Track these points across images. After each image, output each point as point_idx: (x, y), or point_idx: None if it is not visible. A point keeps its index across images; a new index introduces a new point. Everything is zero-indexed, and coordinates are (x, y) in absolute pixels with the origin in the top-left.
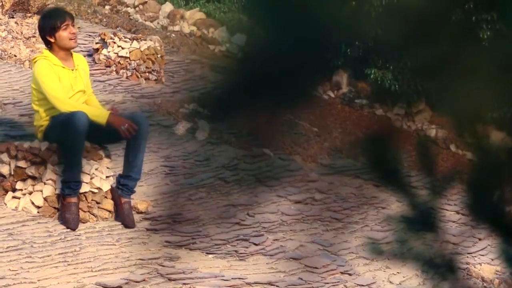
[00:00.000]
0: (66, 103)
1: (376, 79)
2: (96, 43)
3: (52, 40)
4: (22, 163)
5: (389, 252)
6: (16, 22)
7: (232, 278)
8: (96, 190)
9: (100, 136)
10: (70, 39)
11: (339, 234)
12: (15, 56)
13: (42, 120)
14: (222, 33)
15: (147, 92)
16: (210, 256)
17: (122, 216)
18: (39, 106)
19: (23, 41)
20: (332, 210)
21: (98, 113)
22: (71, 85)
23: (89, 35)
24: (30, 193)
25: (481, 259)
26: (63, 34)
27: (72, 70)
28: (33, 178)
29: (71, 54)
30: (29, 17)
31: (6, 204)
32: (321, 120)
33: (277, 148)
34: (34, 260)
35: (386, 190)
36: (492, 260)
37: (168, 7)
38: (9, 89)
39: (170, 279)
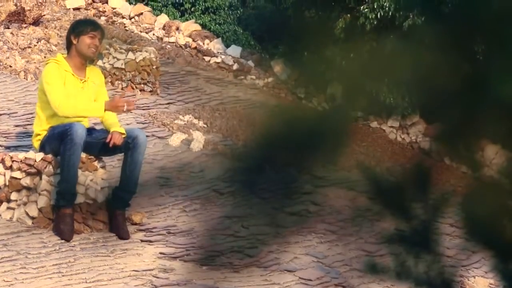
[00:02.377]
0: (64, 106)
1: (371, 91)
2: None
3: (74, 41)
4: (17, 174)
5: (383, 264)
6: (11, 33)
7: None
8: (91, 201)
9: (97, 148)
10: (90, 47)
11: (333, 246)
12: (10, 66)
13: (41, 127)
14: (218, 45)
15: (142, 103)
16: (204, 267)
17: (116, 227)
18: (42, 110)
19: (18, 52)
20: (327, 222)
21: (94, 106)
22: (75, 94)
23: None
24: (25, 204)
25: (475, 272)
26: (86, 40)
27: (82, 80)
28: (28, 189)
29: (85, 66)
30: (25, 27)
31: (0, 215)
32: None
33: (272, 159)
34: (29, 271)
35: (380, 202)
36: (486, 273)
37: (163, 19)
38: (4, 100)
39: None
